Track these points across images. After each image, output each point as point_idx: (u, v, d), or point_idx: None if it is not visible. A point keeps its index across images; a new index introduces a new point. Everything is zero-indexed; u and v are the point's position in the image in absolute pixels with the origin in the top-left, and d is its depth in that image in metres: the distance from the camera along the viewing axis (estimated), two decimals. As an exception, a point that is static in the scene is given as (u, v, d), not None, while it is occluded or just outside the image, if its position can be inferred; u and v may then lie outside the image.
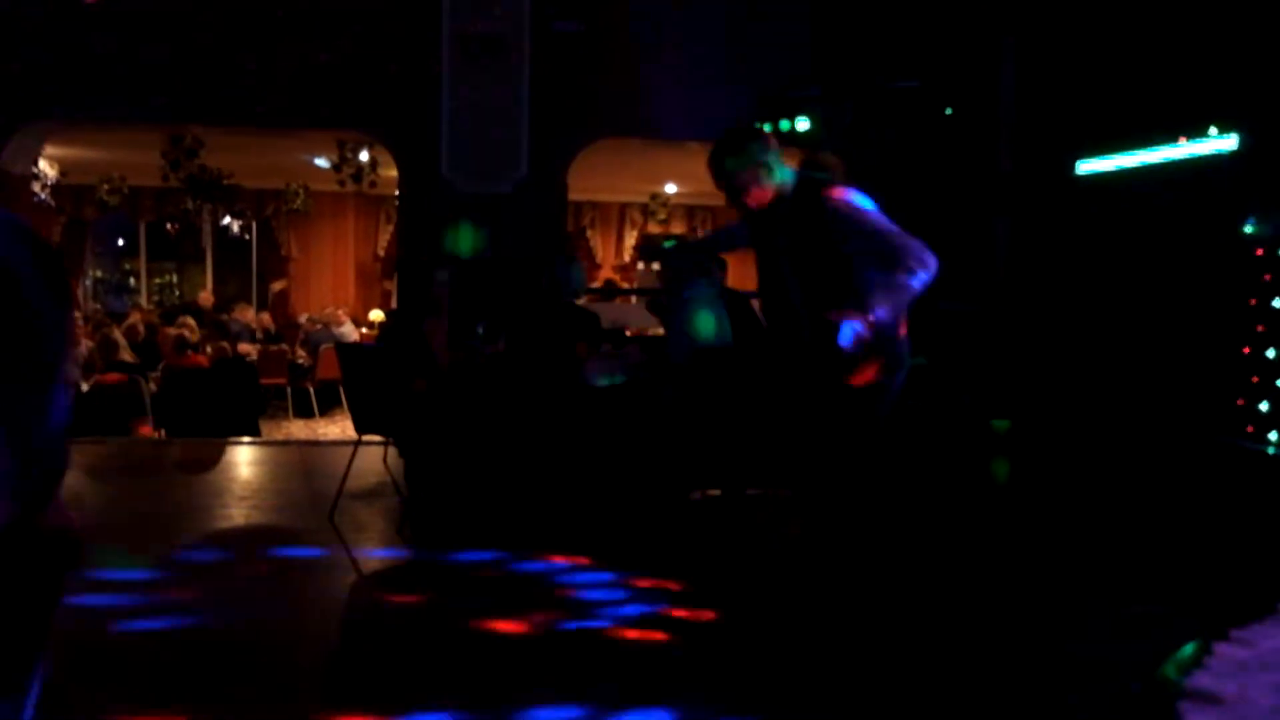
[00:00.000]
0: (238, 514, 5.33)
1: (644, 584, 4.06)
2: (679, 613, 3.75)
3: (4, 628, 2.66)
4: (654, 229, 14.23)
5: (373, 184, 10.98)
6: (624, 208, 14.49)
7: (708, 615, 3.74)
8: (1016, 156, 7.75)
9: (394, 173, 8.61)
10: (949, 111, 7.56)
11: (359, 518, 5.14)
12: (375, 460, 5.98)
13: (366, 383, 5.03)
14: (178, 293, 14.80)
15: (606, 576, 4.17)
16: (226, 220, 12.66)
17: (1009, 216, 7.73)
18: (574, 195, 10.33)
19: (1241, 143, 5.54)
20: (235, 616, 3.68)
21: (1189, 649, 1.65)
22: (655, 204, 14.09)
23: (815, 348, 3.17)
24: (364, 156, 10.51)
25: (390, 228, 13.71)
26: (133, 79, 7.46)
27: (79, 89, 7.41)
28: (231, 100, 7.62)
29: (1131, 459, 5.61)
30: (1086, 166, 6.68)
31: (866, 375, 3.11)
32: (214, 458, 7.06)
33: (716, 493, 5.56)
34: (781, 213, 3.29)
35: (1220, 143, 5.67)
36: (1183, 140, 5.88)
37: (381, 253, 14.13)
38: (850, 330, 2.96)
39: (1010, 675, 3.14)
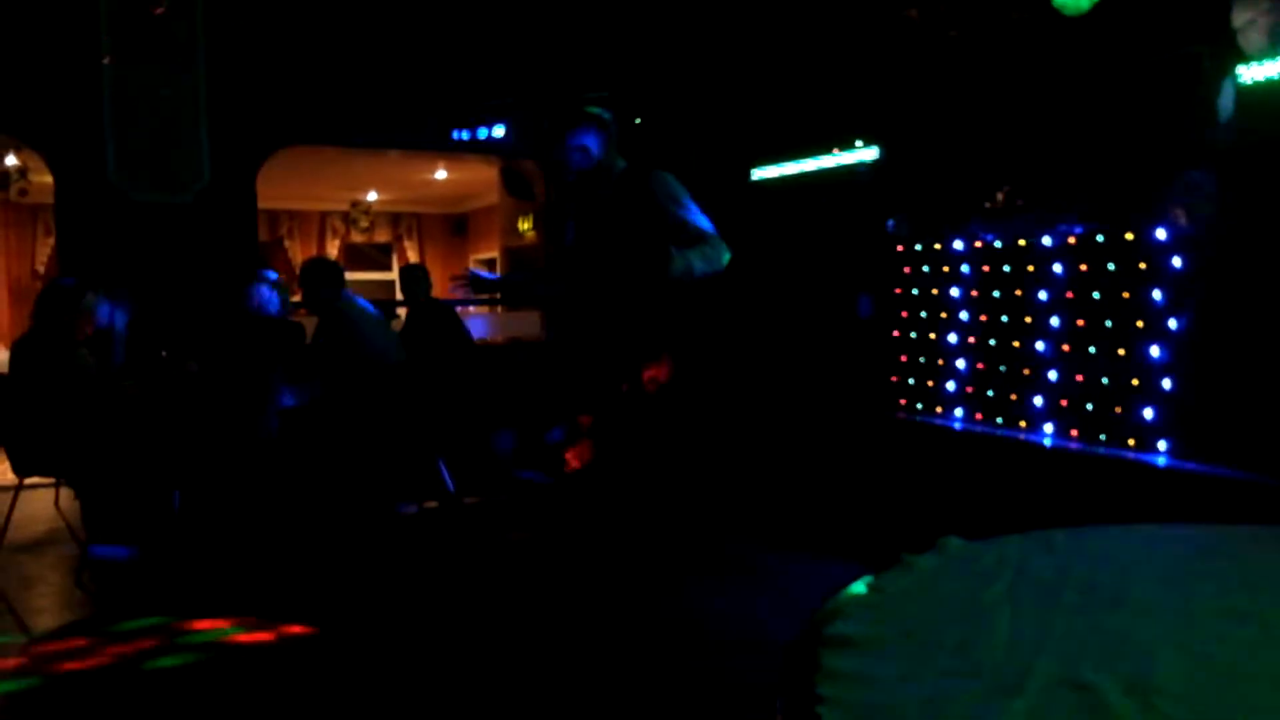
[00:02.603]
0: None
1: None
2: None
3: None
4: (357, 238, 13.79)
5: (23, 192, 9.76)
6: (325, 215, 13.91)
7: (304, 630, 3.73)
8: (704, 165, 8.34)
9: (50, 179, 7.72)
10: (638, 121, 7.97)
11: (27, 571, 4.59)
12: (45, 505, 5.37)
13: (25, 418, 4.50)
14: None
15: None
16: None
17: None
18: (268, 204, 9.77)
19: (881, 153, 6.36)
20: None
21: (831, 600, 1.91)
22: (357, 211, 13.66)
23: (617, 325, 3.34)
24: (11, 161, 9.32)
25: (50, 241, 12.23)
26: None
27: None
28: None
29: (802, 432, 6.24)
30: (760, 173, 7.34)
31: (659, 372, 3.28)
32: None
33: (433, 505, 5.55)
34: (603, 191, 3.44)
35: (864, 153, 6.47)
36: (836, 151, 6.63)
37: (41, 268, 12.57)
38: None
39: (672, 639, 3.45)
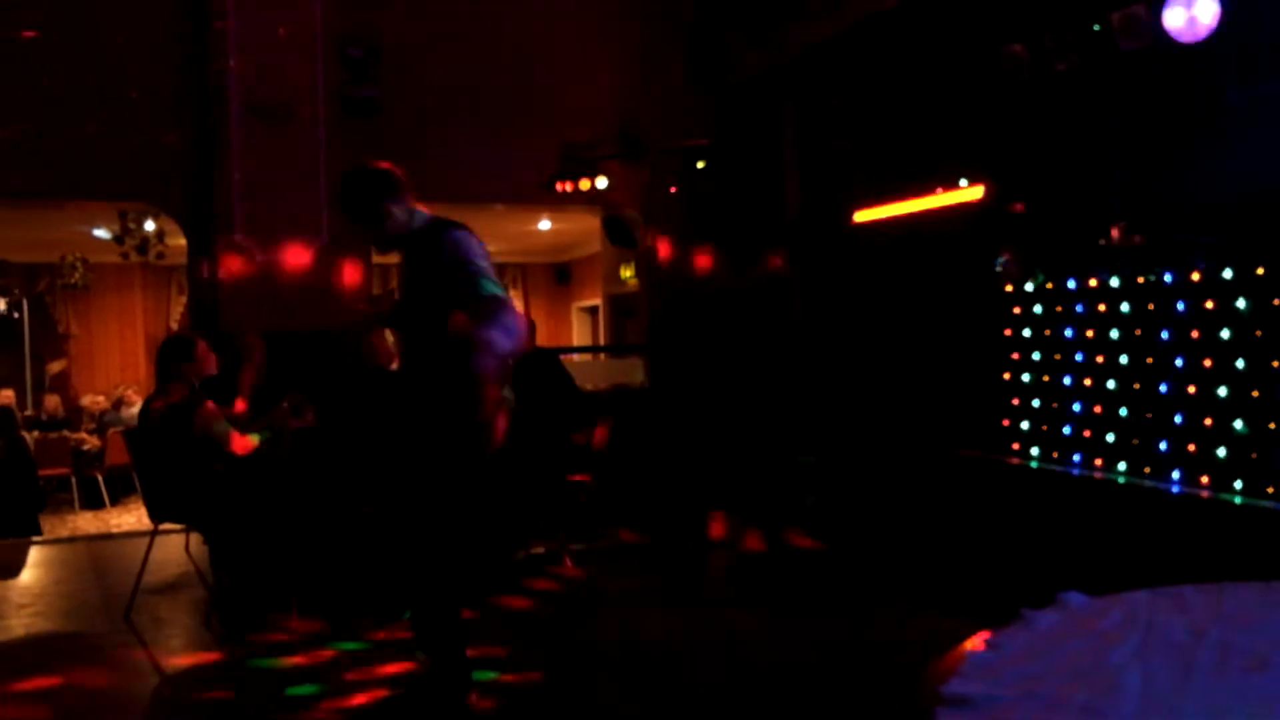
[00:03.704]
0: (17, 624, 4.88)
1: (469, 652, 4.04)
2: (506, 678, 3.76)
3: None
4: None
5: (160, 255, 10.41)
6: (434, 267, 14.38)
7: (534, 677, 3.75)
8: (802, 207, 8.35)
9: (184, 242, 8.23)
10: (700, 165, 8.03)
11: (160, 613, 4.83)
12: (176, 550, 5.65)
13: (160, 467, 4.76)
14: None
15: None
16: (-8, 299, 11.65)
17: (798, 263, 8.29)
18: (384, 258, 10.17)
19: (987, 191, 6.24)
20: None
21: (946, 656, 1.85)
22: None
23: (432, 374, 3.32)
24: (149, 226, 9.97)
25: (184, 299, 12.99)
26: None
27: None
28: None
29: (916, 481, 6.09)
30: (861, 215, 7.28)
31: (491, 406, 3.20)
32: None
33: (540, 550, 5.62)
34: (411, 245, 3.46)
35: (969, 192, 6.35)
36: (939, 190, 6.53)
37: (174, 325, 13.36)
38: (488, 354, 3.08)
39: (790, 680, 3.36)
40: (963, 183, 6.37)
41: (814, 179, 8.19)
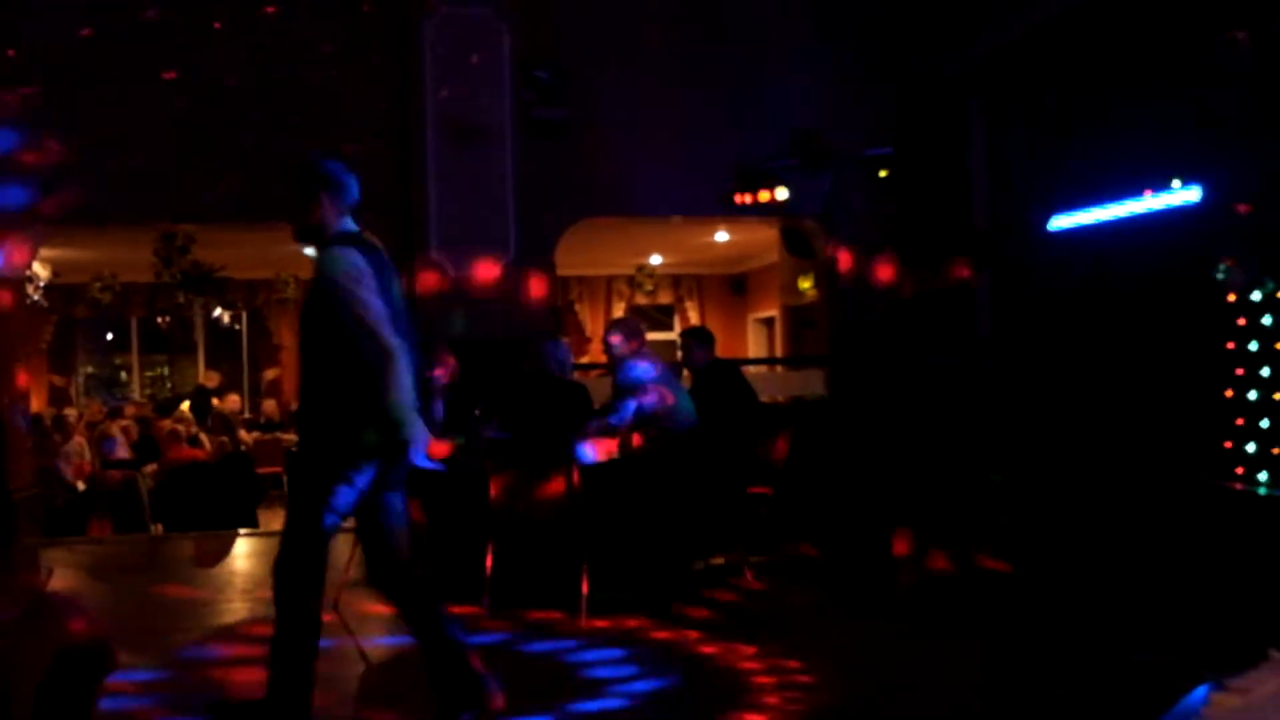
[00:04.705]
0: (241, 607, 5.33)
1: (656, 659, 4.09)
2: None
3: None
4: (641, 300, 14.41)
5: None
6: (610, 280, 14.69)
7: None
8: (991, 214, 7.99)
9: (384, 258, 8.76)
10: (883, 174, 7.77)
11: (364, 605, 5.14)
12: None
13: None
14: (169, 384, 14.85)
15: (618, 652, 4.20)
16: (218, 312, 12.78)
17: (989, 271, 7.93)
18: (560, 270, 10.51)
19: (1204, 193, 5.76)
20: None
21: (1188, 699, 1.70)
22: (642, 275, 14.30)
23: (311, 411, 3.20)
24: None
25: (381, 311, 13.84)
26: (124, 180, 7.62)
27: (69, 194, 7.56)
28: (219, 196, 7.79)
29: (1123, 506, 5.68)
30: (1059, 222, 6.89)
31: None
32: (214, 551, 7.05)
33: (720, 561, 5.63)
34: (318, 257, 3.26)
35: (1184, 195, 5.88)
36: (1148, 194, 6.09)
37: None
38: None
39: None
40: (1175, 184, 5.91)
41: (1005, 185, 7.82)
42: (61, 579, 6.05)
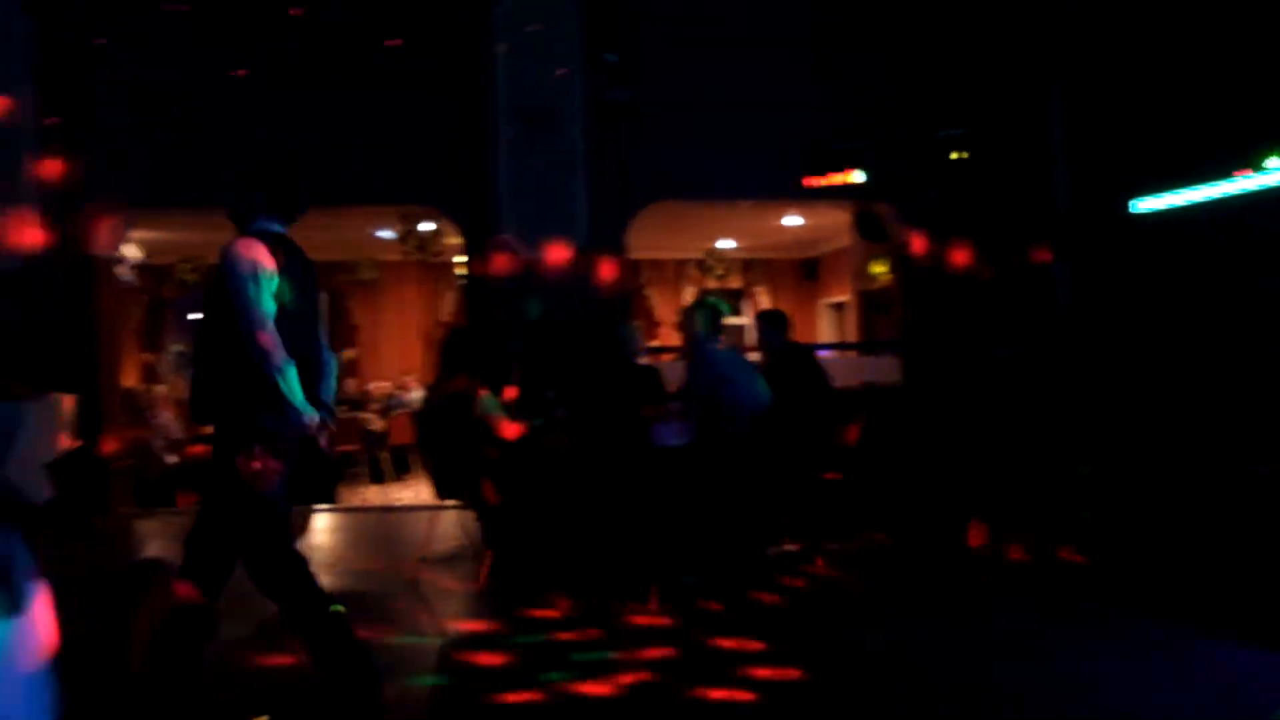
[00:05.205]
0: (323, 581, 5.48)
1: (727, 643, 4.12)
2: (763, 671, 3.79)
3: (158, 691, 2.84)
4: (711, 284, 14.37)
5: (437, 254, 11.32)
6: (680, 264, 14.67)
7: (793, 674, 3.78)
8: (1072, 196, 7.77)
9: (456, 241, 8.90)
10: (954, 156, 7.60)
11: (441, 582, 5.27)
12: (452, 524, 6.12)
13: (447, 450, 5.20)
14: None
15: (688, 635, 4.23)
16: (297, 293, 13.13)
17: (1069, 258, 7.73)
18: (631, 254, 10.54)
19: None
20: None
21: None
22: (712, 259, 14.25)
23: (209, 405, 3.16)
24: (427, 227, 10.86)
25: (452, 295, 14.06)
26: (210, 166, 7.85)
27: (159, 177, 7.83)
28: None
29: (1214, 500, 5.51)
30: (1143, 204, 6.68)
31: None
32: (297, 525, 7.27)
33: (794, 547, 5.62)
34: None
35: (1278, 175, 5.66)
36: (1239, 174, 5.87)
37: (445, 319, 14.47)
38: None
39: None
40: (1271, 163, 5.69)
41: (1086, 165, 7.60)
42: (155, 547, 6.32)
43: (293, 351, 3.07)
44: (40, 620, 0.86)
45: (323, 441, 3.20)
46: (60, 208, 7.54)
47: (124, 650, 2.73)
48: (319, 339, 3.34)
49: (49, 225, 7.51)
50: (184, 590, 2.95)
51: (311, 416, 3.11)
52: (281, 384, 3.02)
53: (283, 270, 3.12)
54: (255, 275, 3.04)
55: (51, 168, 7.51)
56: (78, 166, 7.51)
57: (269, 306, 3.04)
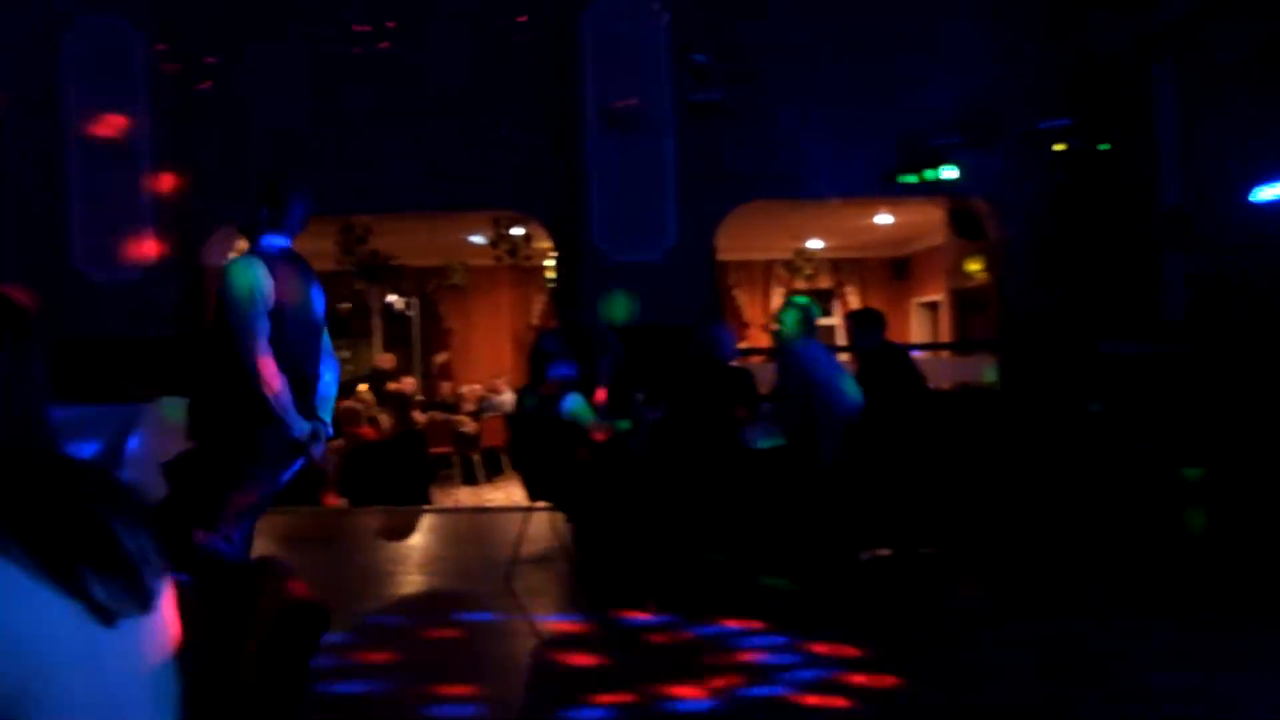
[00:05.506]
0: (419, 580, 5.62)
1: (821, 649, 4.05)
2: (859, 678, 3.72)
3: (273, 689, 2.93)
4: (800, 285, 14.21)
5: (528, 258, 11.47)
6: (769, 265, 14.56)
7: (889, 681, 3.69)
8: (1182, 186, 7.43)
9: (546, 245, 9.01)
10: (1104, 147, 7.33)
11: (533, 582, 5.33)
12: (544, 526, 6.18)
13: (539, 452, 5.25)
14: (350, 367, 15.81)
15: (781, 640, 4.18)
16: (392, 298, 13.48)
17: (1181, 251, 7.38)
18: (719, 255, 10.51)
19: None
20: (426, 680, 3.88)
21: None
22: (800, 260, 14.09)
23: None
24: (518, 232, 11.02)
25: (541, 298, 14.23)
26: (307, 176, 8.11)
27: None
28: (395, 190, 8.20)
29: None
30: (1262, 194, 6.33)
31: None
32: (392, 525, 7.46)
33: (887, 553, 5.51)
34: None
35: None
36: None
37: (535, 322, 14.65)
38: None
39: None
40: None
41: (1196, 155, 7.25)
42: (259, 547, 6.55)
43: (289, 365, 3.17)
44: (168, 618, 0.88)
45: (316, 452, 3.28)
46: (174, 221, 7.90)
47: (236, 658, 2.81)
48: (319, 351, 3.43)
49: (163, 238, 7.88)
50: (298, 589, 3.03)
51: (304, 429, 3.20)
52: (274, 404, 3.12)
53: (281, 286, 3.22)
54: (251, 297, 3.14)
55: (165, 182, 7.88)
56: (190, 180, 7.86)
57: (264, 327, 3.13)
